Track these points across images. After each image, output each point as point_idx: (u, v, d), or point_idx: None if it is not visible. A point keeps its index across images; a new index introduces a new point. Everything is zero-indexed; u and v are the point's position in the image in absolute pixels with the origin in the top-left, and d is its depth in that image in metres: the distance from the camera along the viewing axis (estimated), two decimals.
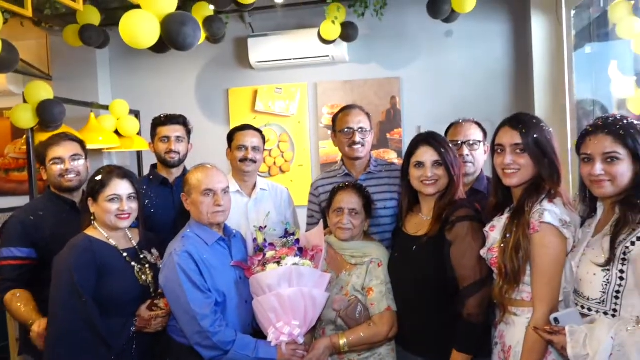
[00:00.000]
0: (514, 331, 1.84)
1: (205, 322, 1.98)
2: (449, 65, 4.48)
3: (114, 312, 2.06)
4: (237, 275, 2.18)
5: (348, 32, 4.09)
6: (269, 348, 2.05)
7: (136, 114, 4.75)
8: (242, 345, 2.03)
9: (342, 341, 2.08)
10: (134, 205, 2.17)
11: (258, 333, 2.15)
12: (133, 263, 2.16)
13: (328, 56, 4.48)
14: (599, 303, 1.66)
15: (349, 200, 2.23)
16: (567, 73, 3.82)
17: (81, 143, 2.56)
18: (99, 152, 4.68)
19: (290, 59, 4.55)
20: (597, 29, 3.73)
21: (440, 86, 4.49)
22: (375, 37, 4.56)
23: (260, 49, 4.55)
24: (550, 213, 1.77)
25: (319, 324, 2.22)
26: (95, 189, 2.14)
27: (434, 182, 2.08)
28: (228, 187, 2.24)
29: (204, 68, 4.96)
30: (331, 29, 3.97)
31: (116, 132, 4.43)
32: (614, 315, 1.63)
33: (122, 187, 2.14)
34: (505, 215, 1.92)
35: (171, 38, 2.77)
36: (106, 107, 4.49)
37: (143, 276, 2.16)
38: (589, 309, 1.69)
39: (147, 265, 2.19)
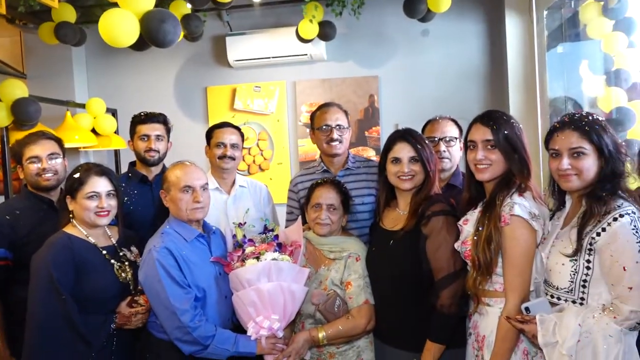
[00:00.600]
0: (487, 321, 1.90)
1: (185, 317, 2.00)
2: (426, 64, 4.55)
3: (93, 310, 2.07)
4: (217, 271, 2.20)
5: (326, 31, 4.12)
6: (249, 342, 2.08)
7: (113, 112, 4.71)
8: (222, 339, 2.05)
9: (321, 334, 2.12)
10: (112, 202, 2.17)
11: (238, 328, 2.18)
12: (112, 260, 2.16)
13: (306, 55, 4.51)
14: (568, 292, 1.73)
15: (327, 196, 2.26)
16: (539, 72, 3.93)
17: (58, 141, 2.54)
18: (75, 150, 4.64)
19: (269, 58, 4.57)
20: (569, 29, 3.84)
21: (418, 84, 4.56)
22: (353, 36, 4.61)
23: (239, 48, 4.56)
24: (520, 206, 1.83)
25: (298, 318, 2.25)
26: (73, 186, 2.14)
27: (410, 177, 2.13)
28: (207, 183, 2.25)
29: (182, 66, 4.94)
30: (309, 27, 4.00)
31: (93, 130, 4.39)
32: (581, 304, 1.70)
33: (100, 185, 2.14)
34: (478, 209, 1.98)
35: (151, 35, 2.77)
36: (82, 106, 4.45)
37: (122, 273, 2.17)
38: (558, 298, 1.77)
39: (126, 263, 2.20)
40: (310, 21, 3.98)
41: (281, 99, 4.77)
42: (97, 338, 2.05)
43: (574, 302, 1.72)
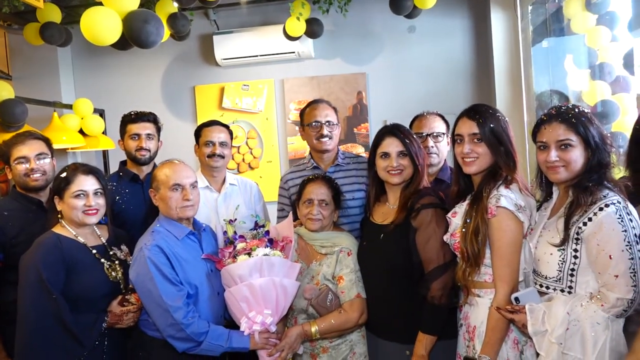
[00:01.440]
0: (478, 312, 1.93)
1: (178, 314, 2.00)
2: (413, 60, 4.59)
3: (84, 309, 2.06)
4: (208, 267, 2.20)
5: (313, 29, 4.14)
6: (242, 337, 2.08)
7: (101, 112, 4.69)
8: (215, 335, 2.06)
9: (314, 328, 2.13)
10: (100, 200, 2.16)
11: (231, 325, 2.18)
12: (102, 260, 2.15)
13: (294, 52, 4.53)
14: (556, 281, 1.76)
15: (318, 192, 2.28)
16: (525, 67, 3.97)
17: (46, 141, 2.53)
18: (63, 152, 4.61)
19: (257, 56, 4.58)
20: (553, 24, 3.88)
21: (405, 80, 4.60)
22: (340, 33, 4.63)
23: (226, 46, 4.57)
24: (506, 198, 1.85)
25: (291, 313, 2.27)
26: (60, 186, 2.12)
27: (399, 171, 2.15)
28: (196, 181, 2.25)
29: (170, 65, 4.93)
30: (296, 25, 4.02)
31: (81, 131, 4.36)
32: (570, 292, 1.73)
33: (87, 183, 2.13)
34: (466, 202, 2.00)
35: (133, 36, 2.77)
36: (70, 107, 4.42)
37: (113, 272, 2.16)
38: (547, 287, 1.80)
39: (116, 262, 2.19)
40: (298, 19, 3.99)
41: (269, 97, 4.78)
42: (88, 337, 2.04)
43: (562, 290, 1.75)
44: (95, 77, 4.98)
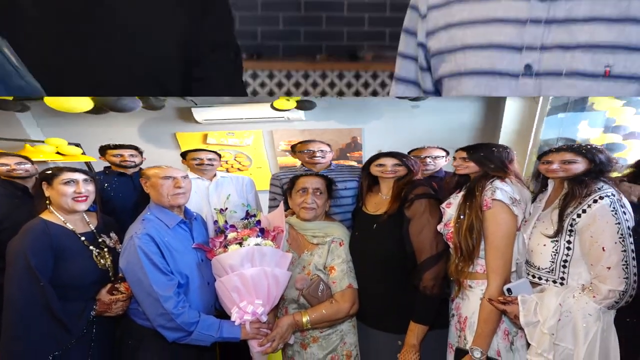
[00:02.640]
0: (469, 302, 2.15)
1: (168, 303, 2.14)
2: (414, 132, 4.51)
3: (72, 297, 2.20)
4: (199, 257, 2.39)
5: (305, 105, 4.25)
6: (233, 327, 2.25)
7: (77, 145, 4.77)
8: (206, 325, 2.21)
9: (305, 318, 2.32)
10: (90, 187, 2.35)
11: (221, 315, 2.34)
12: (91, 247, 2.31)
13: (283, 117, 4.60)
14: (549, 272, 2.01)
15: (313, 181, 2.53)
16: (534, 136, 4.20)
17: (25, 157, 2.82)
18: (44, 163, 4.54)
19: (242, 119, 4.68)
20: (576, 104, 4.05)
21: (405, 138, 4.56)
22: (335, 106, 4.65)
23: (207, 115, 4.65)
24: (501, 191, 2.10)
25: (282, 303, 2.46)
26: (49, 174, 2.32)
27: (394, 172, 2.43)
28: (187, 175, 2.46)
29: (145, 123, 4.99)
30: (285, 103, 4.12)
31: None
32: (562, 284, 1.97)
33: (76, 174, 2.33)
34: (461, 193, 2.25)
35: (109, 103, 3.08)
36: (41, 142, 4.57)
37: (102, 260, 2.32)
38: (540, 278, 2.04)
39: (105, 249, 2.36)
40: (287, 100, 4.14)
41: (257, 142, 5.02)
42: (76, 325, 2.18)
43: (554, 282, 1.98)
44: (65, 120, 4.73)
